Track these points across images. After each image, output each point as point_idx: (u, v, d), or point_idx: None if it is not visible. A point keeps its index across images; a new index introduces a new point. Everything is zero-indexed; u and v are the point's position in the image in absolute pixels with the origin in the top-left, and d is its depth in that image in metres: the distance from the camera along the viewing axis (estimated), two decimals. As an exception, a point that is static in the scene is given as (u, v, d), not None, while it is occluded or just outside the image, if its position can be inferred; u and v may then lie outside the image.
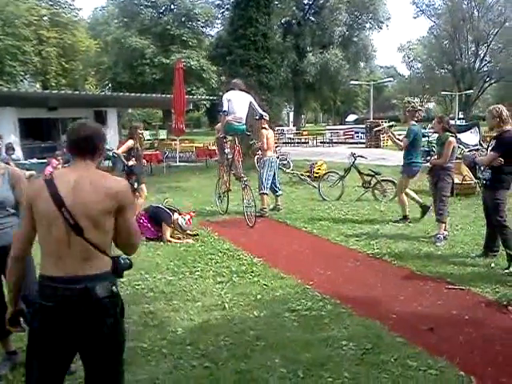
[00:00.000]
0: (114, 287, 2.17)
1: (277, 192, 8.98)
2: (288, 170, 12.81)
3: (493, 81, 61.47)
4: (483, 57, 60.20)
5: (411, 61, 70.71)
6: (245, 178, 7.97)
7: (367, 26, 47.01)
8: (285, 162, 13.28)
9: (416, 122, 7.60)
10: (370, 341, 3.66)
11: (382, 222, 7.83)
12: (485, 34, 56.96)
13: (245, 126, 7.98)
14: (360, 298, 4.59)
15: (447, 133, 6.64)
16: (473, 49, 60.33)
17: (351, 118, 54.14)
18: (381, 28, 46.49)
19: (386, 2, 44.78)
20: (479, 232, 6.96)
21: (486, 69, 60.78)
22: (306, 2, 44.06)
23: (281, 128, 37.08)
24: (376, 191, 9.90)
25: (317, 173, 12.36)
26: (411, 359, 3.38)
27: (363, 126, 31.65)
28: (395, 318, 4.09)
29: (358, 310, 4.25)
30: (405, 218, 7.70)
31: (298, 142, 32.68)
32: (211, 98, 32.85)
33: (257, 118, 8.24)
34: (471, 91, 54.71)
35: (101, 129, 2.40)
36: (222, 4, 43.09)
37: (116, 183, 2.21)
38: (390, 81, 56.14)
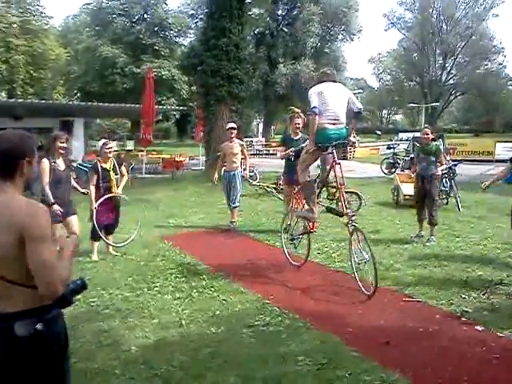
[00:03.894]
0: (40, 325, 1.90)
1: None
2: (254, 182, 12.81)
3: (458, 93, 63.17)
4: (450, 69, 61.87)
5: (381, 73, 72.25)
6: (351, 214, 5.33)
7: (339, 37, 47.71)
8: (251, 174, 13.29)
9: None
10: (326, 355, 3.67)
11: (344, 234, 7.88)
12: (452, 47, 58.58)
13: (346, 130, 5.49)
14: (318, 312, 4.62)
15: (435, 142, 7.51)
16: (440, 61, 61.97)
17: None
18: (352, 40, 47.22)
19: (358, 14, 45.62)
20: (439, 244, 7.12)
21: (452, 81, 62.46)
22: (279, 12, 44.53)
23: (250, 139, 37.15)
24: (340, 203, 9.94)
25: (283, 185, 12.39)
26: (366, 374, 3.41)
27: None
28: (352, 332, 4.11)
29: (315, 325, 4.27)
30: None
31: (266, 154, 32.82)
32: (181, 108, 32.73)
33: (355, 110, 5.55)
34: (437, 104, 56.04)
35: (26, 141, 2.01)
36: (196, 14, 43.13)
37: (21, 209, 1.87)
38: (359, 92, 56.84)
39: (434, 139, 7.69)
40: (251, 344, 3.95)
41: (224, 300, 4.94)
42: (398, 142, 28.25)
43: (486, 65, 60.85)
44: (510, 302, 4.76)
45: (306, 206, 5.84)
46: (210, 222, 9.18)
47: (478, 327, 4.17)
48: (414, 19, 61.83)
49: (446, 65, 61.30)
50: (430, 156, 7.36)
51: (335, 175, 5.46)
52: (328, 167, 5.64)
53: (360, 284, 5.05)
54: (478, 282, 5.36)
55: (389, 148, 24.34)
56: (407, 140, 23.63)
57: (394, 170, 17.20)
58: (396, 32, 69.12)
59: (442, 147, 13.31)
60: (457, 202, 10.08)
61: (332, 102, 5.35)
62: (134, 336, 4.13)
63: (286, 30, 43.97)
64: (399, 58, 65.06)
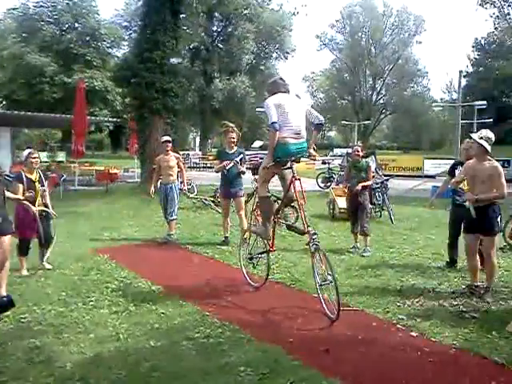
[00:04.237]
0: None
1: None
2: (192, 195, 12.71)
3: (388, 112, 66.22)
4: (379, 90, 64.85)
5: (315, 91, 74.35)
6: (313, 233, 4.94)
7: (274, 55, 48.84)
8: (189, 187, 13.18)
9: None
10: (267, 366, 3.65)
11: (282, 247, 7.97)
12: (381, 69, 61.52)
13: (306, 144, 5.23)
14: (259, 323, 4.61)
15: (365, 159, 7.92)
16: (370, 82, 64.88)
17: (257, 144, 55.25)
18: (287, 58, 48.52)
19: (291, 34, 46.88)
20: (374, 254, 7.35)
21: (382, 101, 65.43)
22: (214, 29, 44.88)
23: (186, 152, 36.93)
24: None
25: (220, 198, 12.38)
26: (306, 381, 3.42)
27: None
28: (293, 342, 4.13)
29: (256, 335, 4.25)
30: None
31: (203, 167, 32.72)
32: (115, 119, 31.99)
33: (316, 122, 5.28)
34: (369, 121, 58.39)
35: None
36: (130, 26, 42.63)
37: None
38: (294, 109, 58.13)
39: (364, 156, 8.13)
40: (192, 356, 3.86)
41: (162, 313, 4.82)
42: (332, 158, 29.08)
43: (413, 87, 64.43)
44: (441, 308, 4.98)
45: (261, 222, 5.70)
46: (147, 235, 8.97)
47: (413, 333, 4.32)
48: (344, 41, 64.54)
49: (376, 85, 64.31)
50: (360, 172, 7.74)
51: (295, 191, 5.22)
52: (288, 183, 5.32)
53: (325, 307, 4.72)
54: (412, 290, 5.57)
55: (324, 163, 25.01)
56: (341, 155, 24.38)
57: (329, 184, 17.65)
58: (328, 52, 71.61)
59: (372, 164, 13.92)
60: (390, 214, 10.49)
61: (292, 115, 5.05)
62: (69, 352, 3.93)
63: (221, 45, 44.40)
64: (332, 78, 67.45)
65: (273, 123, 4.93)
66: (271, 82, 5.51)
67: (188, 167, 29.72)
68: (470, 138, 5.53)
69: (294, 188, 5.21)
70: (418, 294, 5.39)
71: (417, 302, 5.12)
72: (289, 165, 5.15)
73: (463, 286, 5.58)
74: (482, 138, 5.17)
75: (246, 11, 41.00)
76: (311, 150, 5.33)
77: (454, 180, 5.86)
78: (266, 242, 5.68)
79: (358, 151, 7.91)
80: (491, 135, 5.22)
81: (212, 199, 12.16)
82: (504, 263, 6.88)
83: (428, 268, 6.60)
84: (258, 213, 6.04)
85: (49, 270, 6.40)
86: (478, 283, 5.43)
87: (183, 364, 3.72)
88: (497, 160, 5.41)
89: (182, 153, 26.39)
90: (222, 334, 4.30)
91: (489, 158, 5.23)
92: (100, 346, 4.04)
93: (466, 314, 4.76)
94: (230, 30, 43.52)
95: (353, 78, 64.29)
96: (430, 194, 15.94)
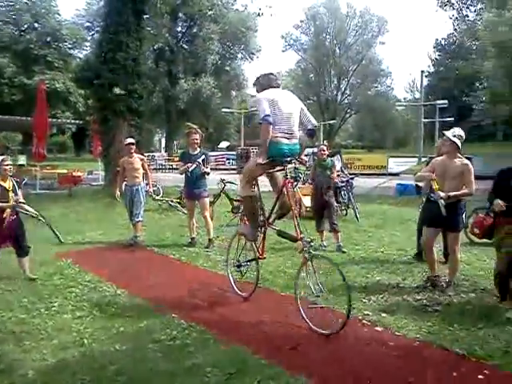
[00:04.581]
0: None
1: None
2: (158, 197, 12.58)
3: (353, 112, 67.13)
4: (344, 90, 65.66)
5: (280, 91, 74.59)
6: (308, 240, 4.55)
7: (239, 56, 48.92)
8: (155, 189, 13.03)
9: None
10: (234, 365, 3.65)
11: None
12: (345, 69, 62.37)
13: (299, 145, 4.80)
14: (226, 323, 4.59)
15: (330, 158, 8.02)
16: (335, 82, 65.63)
17: (223, 144, 55.16)
18: (252, 59, 48.65)
19: (256, 34, 47.06)
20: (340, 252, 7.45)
21: (346, 101, 66.26)
22: (179, 29, 44.61)
23: (152, 154, 36.52)
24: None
25: (186, 199, 12.29)
26: (273, 380, 3.44)
27: (235, 152, 32.47)
28: (259, 341, 4.14)
29: (223, 336, 4.24)
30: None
31: (169, 168, 32.44)
32: (77, 122, 31.37)
33: (309, 127, 4.85)
34: (334, 121, 59.08)
35: None
36: (92, 26, 41.96)
37: None
38: (261, 110, 58.29)
39: (330, 155, 8.25)
40: (158, 359, 3.82)
41: (128, 316, 4.75)
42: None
43: (376, 87, 65.47)
44: (405, 303, 5.08)
45: (247, 223, 5.22)
46: (112, 238, 8.82)
47: (378, 328, 4.40)
48: (309, 42, 65.06)
49: (341, 85, 65.13)
50: (326, 170, 7.84)
51: (287, 195, 4.81)
52: (279, 186, 4.91)
53: (308, 322, 4.39)
54: (377, 286, 5.67)
55: (290, 163, 25.09)
56: (307, 155, 24.57)
57: (296, 183, 17.72)
58: (293, 53, 72.07)
59: (338, 163, 14.09)
60: (355, 212, 10.63)
61: (286, 112, 4.63)
62: (31, 359, 3.83)
63: (185, 46, 44.19)
64: (297, 78, 67.83)
65: (266, 116, 4.46)
66: (263, 75, 5.01)
67: (153, 169, 29.44)
68: (444, 135, 5.57)
69: (287, 192, 4.80)
70: (383, 290, 5.48)
71: (382, 298, 5.22)
72: (281, 166, 4.78)
73: (424, 279, 5.71)
74: (455, 135, 5.31)
75: (210, 12, 40.90)
76: (303, 156, 5.00)
77: (419, 174, 5.90)
78: (254, 248, 5.23)
79: (323, 150, 8.01)
80: (463, 133, 5.39)
81: (178, 201, 12.06)
82: (465, 257, 7.06)
83: (393, 264, 6.72)
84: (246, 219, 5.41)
85: (34, 278, 6.13)
86: (437, 273, 5.58)
87: (149, 367, 3.68)
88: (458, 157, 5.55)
89: (147, 154, 26.11)
90: (189, 335, 4.27)
91: (459, 155, 5.38)
92: (63, 352, 3.95)
93: (429, 307, 4.88)
94: (194, 30, 43.38)
95: (318, 79, 64.89)
96: (394, 191, 16.30)
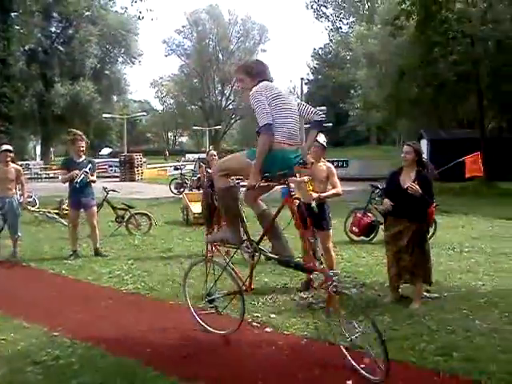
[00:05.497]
0: None
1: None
2: (33, 208, 11.70)
3: (237, 118, 68.38)
4: (228, 96, 66.62)
5: (164, 96, 73.69)
6: (333, 274, 3.65)
7: (120, 60, 47.48)
8: (30, 200, 12.12)
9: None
10: (125, 379, 3.51)
11: (136, 256, 7.77)
12: (229, 75, 63.40)
13: (301, 155, 3.84)
14: (114, 337, 4.40)
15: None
16: (219, 88, 66.35)
17: (105, 151, 53.17)
18: (134, 63, 47.46)
19: (138, 38, 46.05)
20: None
21: (231, 106, 67.31)
22: (53, 30, 42.16)
23: (26, 162, 33.90)
24: (130, 225, 9.82)
25: (67, 209, 11.56)
26: (166, 391, 3.37)
27: (117, 159, 31.44)
28: (151, 352, 4.02)
29: (112, 350, 4.05)
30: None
31: (46, 177, 30.38)
32: None
33: (315, 119, 3.96)
34: (219, 127, 59.70)
35: None
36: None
37: None
38: (143, 115, 57.32)
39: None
40: (39, 382, 3.55)
41: (3, 339, 4.34)
42: (184, 163, 29.11)
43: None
44: (292, 302, 5.28)
45: (225, 226, 4.25)
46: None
47: (268, 329, 4.49)
48: (192, 47, 65.21)
49: (225, 91, 66.07)
50: None
51: (295, 216, 3.90)
52: (281, 204, 3.97)
53: (358, 367, 3.52)
54: (265, 288, 5.79)
55: (176, 169, 24.95)
56: (193, 161, 24.54)
57: (182, 189, 17.66)
58: (176, 58, 71.57)
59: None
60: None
61: (287, 111, 3.74)
62: None
63: (61, 48, 41.93)
64: (181, 83, 67.56)
65: (268, 125, 3.58)
66: (257, 63, 4.06)
67: (28, 178, 27.40)
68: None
69: (293, 211, 3.88)
70: (272, 291, 5.63)
71: (270, 299, 5.35)
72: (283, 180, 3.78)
73: (305, 280, 5.81)
74: (324, 141, 5.61)
75: (87, 13, 39.25)
76: (309, 157, 4.17)
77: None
78: (235, 276, 4.25)
79: (214, 155, 8.04)
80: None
81: (56, 211, 11.35)
82: (346, 255, 7.51)
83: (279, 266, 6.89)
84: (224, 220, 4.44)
85: None
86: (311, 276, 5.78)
87: (29, 392, 3.41)
88: (336, 160, 5.93)
89: (20, 163, 24.23)
90: (73, 353, 4.02)
91: (322, 159, 5.71)
92: None
93: (315, 305, 5.10)
94: (70, 31, 41.30)
95: (202, 84, 65.24)
96: (281, 195, 16.83)
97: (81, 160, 7.66)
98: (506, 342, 3.99)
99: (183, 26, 65.65)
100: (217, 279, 4.31)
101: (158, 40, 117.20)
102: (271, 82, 3.83)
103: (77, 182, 7.48)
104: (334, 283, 3.47)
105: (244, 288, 4.17)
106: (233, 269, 4.31)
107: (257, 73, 3.84)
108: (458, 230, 9.96)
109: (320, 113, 3.97)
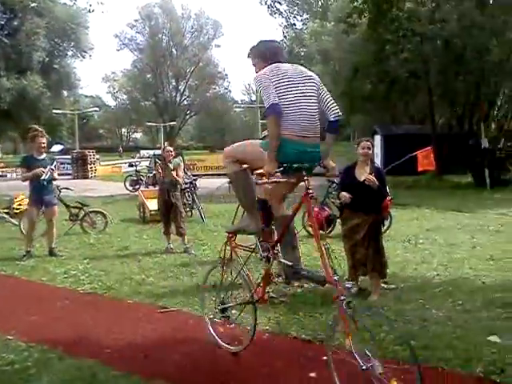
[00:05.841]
0: None
1: None
2: (-20, 208, 11.22)
3: (192, 113, 67.86)
4: (183, 91, 65.99)
5: (116, 91, 72.07)
6: (349, 287, 3.26)
7: (69, 53, 46.02)
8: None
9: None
10: (84, 381, 3.42)
11: (92, 255, 7.58)
12: (183, 71, 62.76)
13: (319, 148, 3.38)
14: (71, 338, 4.27)
15: (175, 159, 7.98)
16: (174, 83, 65.58)
17: (56, 148, 51.42)
18: (84, 57, 46.12)
19: (88, 31, 44.76)
20: (188, 254, 7.44)
21: (186, 102, 66.72)
22: (-3, 21, 40.45)
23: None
24: (85, 224, 9.57)
25: (17, 208, 11.18)
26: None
27: (69, 156, 30.59)
28: (110, 352, 3.93)
29: (69, 352, 3.93)
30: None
31: (-6, 176, 29.24)
32: None
33: (332, 119, 3.36)
34: (174, 123, 59.03)
35: None
36: None
37: None
38: (95, 110, 55.91)
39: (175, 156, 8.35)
40: (-8, 389, 3.41)
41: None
42: (139, 160, 28.65)
43: (215, 88, 67.04)
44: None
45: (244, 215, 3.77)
46: None
47: (229, 325, 4.47)
48: (145, 42, 64.11)
49: (180, 87, 65.39)
50: (172, 172, 7.78)
51: (310, 219, 3.49)
52: (294, 205, 3.48)
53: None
54: (227, 284, 5.74)
55: (131, 166, 24.56)
56: (148, 157, 24.21)
57: (138, 186, 17.40)
58: (129, 53, 70.12)
59: (182, 164, 14.08)
60: (200, 213, 10.73)
61: (299, 97, 3.22)
62: None
63: (6, 40, 40.24)
64: (134, 78, 66.30)
65: (273, 105, 3.11)
66: (265, 42, 3.57)
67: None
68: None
69: (309, 212, 3.39)
70: (234, 288, 5.59)
71: (231, 295, 5.32)
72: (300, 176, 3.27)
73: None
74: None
75: (33, 4, 37.79)
76: (330, 162, 3.49)
77: None
78: (250, 285, 3.84)
79: (171, 151, 8.01)
80: None
81: (6, 211, 10.93)
82: (304, 249, 7.57)
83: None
84: (234, 244, 3.97)
85: None
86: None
87: (-18, 399, 3.26)
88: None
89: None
90: (29, 356, 3.87)
91: None
92: None
93: (276, 299, 5.12)
94: (16, 23, 39.68)
95: (156, 79, 64.27)
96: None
97: (42, 157, 7.43)
98: (460, 329, 4.13)
99: (135, 20, 64.41)
100: (230, 285, 3.97)
101: (110, 34, 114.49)
102: (284, 62, 3.38)
103: (44, 180, 7.25)
104: (346, 300, 2.86)
105: (256, 298, 3.70)
106: (247, 275, 3.90)
107: (270, 56, 3.42)
108: (413, 223, 10.24)
109: (337, 109, 3.35)
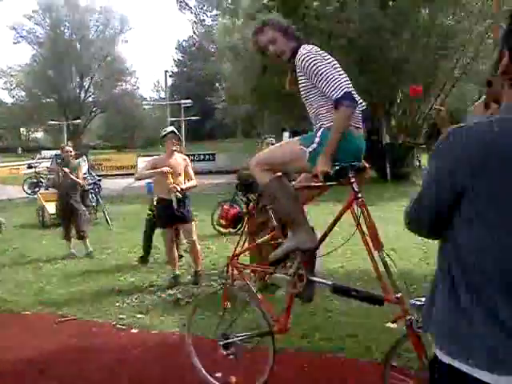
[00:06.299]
0: None
1: None
2: None
3: (99, 111, 65.38)
4: (88, 88, 63.36)
5: (14, 88, 67.43)
6: (418, 304, 2.15)
7: (-43, 46, 42.49)
8: None
9: None
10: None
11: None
12: (88, 66, 60.24)
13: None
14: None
15: (77, 160, 7.92)
16: (78, 80, 62.75)
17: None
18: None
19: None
20: (90, 258, 7.11)
21: (91, 99, 64.11)
22: None
23: None
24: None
25: None
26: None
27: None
28: (4, 368, 3.64)
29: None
30: None
31: None
32: None
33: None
34: (79, 121, 56.43)
35: None
36: None
37: None
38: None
39: (76, 157, 7.99)
40: None
41: None
42: (39, 161, 27.05)
43: (122, 85, 64.99)
44: (160, 300, 5.14)
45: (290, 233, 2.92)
46: None
47: (134, 330, 4.34)
48: (45, 35, 60.68)
49: (84, 83, 62.64)
50: (71, 173, 7.43)
51: (369, 225, 2.71)
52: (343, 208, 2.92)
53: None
54: (132, 288, 5.58)
55: (30, 167, 23.23)
56: (50, 158, 22.94)
57: (37, 189, 16.47)
58: (27, 46, 65.71)
59: (84, 165, 13.53)
60: (105, 215, 10.29)
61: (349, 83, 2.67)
62: None
63: None
64: (33, 74, 62.41)
65: (350, 94, 2.56)
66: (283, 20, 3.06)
67: None
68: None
69: (365, 218, 2.72)
70: (138, 291, 5.44)
71: (136, 299, 5.16)
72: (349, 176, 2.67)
73: (169, 278, 5.73)
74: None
75: None
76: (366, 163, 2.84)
77: (142, 172, 6.12)
78: (265, 313, 3.05)
79: (70, 151, 7.69)
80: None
81: None
82: (214, 248, 7.55)
83: (147, 263, 6.70)
84: (239, 266, 3.33)
85: None
86: (178, 272, 5.75)
87: None
88: (203, 154, 5.92)
89: None
90: None
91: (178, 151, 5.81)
92: None
93: (182, 300, 5.04)
94: None
95: (58, 75, 61.02)
96: (146, 190, 16.41)
97: None
98: (360, 319, 4.27)
99: (34, 11, 60.62)
100: (236, 317, 3.25)
101: (5, 26, 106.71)
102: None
103: None
104: (415, 319, 2.36)
105: (275, 329, 3.02)
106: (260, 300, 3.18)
107: (291, 34, 2.83)
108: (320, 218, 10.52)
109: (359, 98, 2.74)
